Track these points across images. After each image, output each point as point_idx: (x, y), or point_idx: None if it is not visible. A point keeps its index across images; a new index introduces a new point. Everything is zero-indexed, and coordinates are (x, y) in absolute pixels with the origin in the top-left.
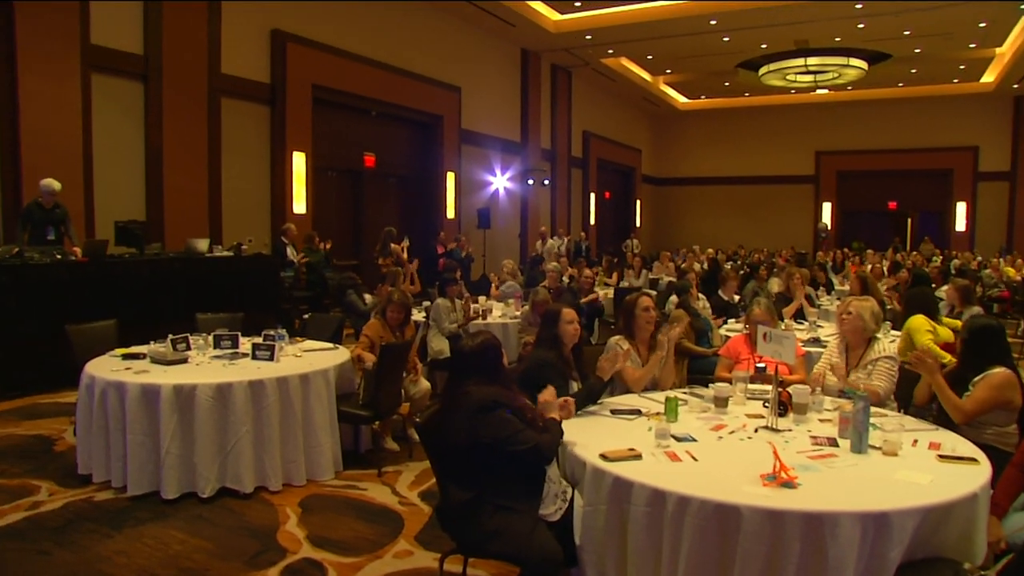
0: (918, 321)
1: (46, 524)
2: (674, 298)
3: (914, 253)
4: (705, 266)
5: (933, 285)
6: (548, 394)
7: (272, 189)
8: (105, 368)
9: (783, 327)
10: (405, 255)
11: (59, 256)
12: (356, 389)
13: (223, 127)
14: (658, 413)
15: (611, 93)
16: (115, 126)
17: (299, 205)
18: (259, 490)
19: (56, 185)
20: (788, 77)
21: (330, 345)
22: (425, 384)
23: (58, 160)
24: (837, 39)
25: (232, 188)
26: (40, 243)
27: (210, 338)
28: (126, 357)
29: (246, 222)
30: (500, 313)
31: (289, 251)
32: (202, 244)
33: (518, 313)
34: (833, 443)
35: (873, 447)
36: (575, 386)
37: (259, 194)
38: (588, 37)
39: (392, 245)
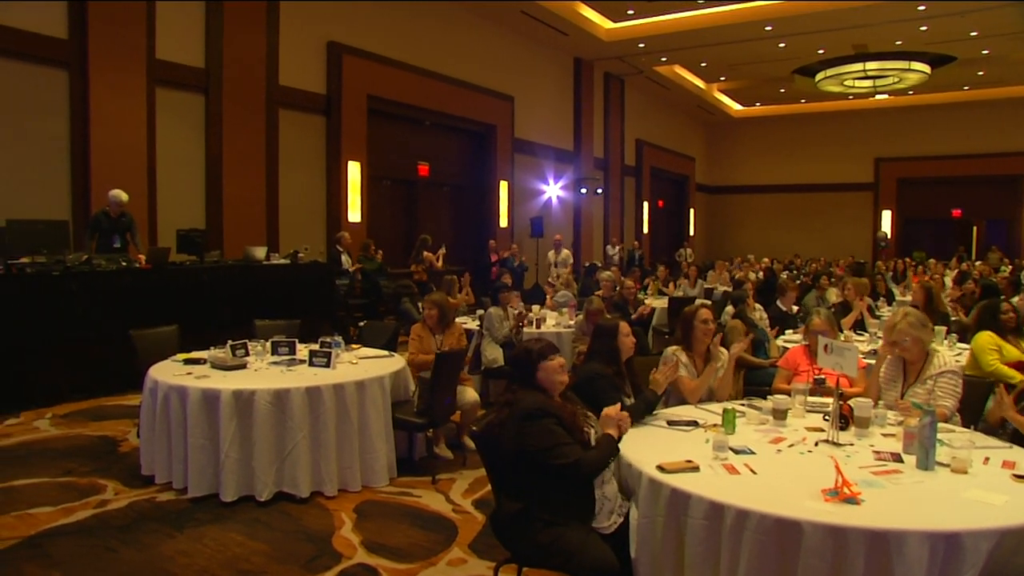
0: (983, 339)
1: (112, 522)
2: (730, 308)
3: (979, 263)
4: (761, 276)
5: (1003, 297)
6: (612, 409)
7: (328, 198)
8: (167, 372)
9: (842, 338)
10: (440, 263)
11: (124, 263)
12: (411, 397)
13: (280, 137)
14: (715, 425)
15: (664, 101)
16: (177, 138)
17: (354, 214)
18: (315, 495)
19: (123, 196)
20: (846, 83)
21: (385, 352)
22: (472, 394)
23: (124, 171)
24: (898, 42)
25: (289, 197)
26: (107, 251)
27: (268, 344)
28: (187, 362)
29: (302, 230)
30: (554, 322)
31: (344, 259)
32: (260, 252)
33: (572, 322)
34: (898, 459)
35: (941, 464)
36: (628, 400)
37: (315, 203)
38: (641, 45)
39: (425, 253)
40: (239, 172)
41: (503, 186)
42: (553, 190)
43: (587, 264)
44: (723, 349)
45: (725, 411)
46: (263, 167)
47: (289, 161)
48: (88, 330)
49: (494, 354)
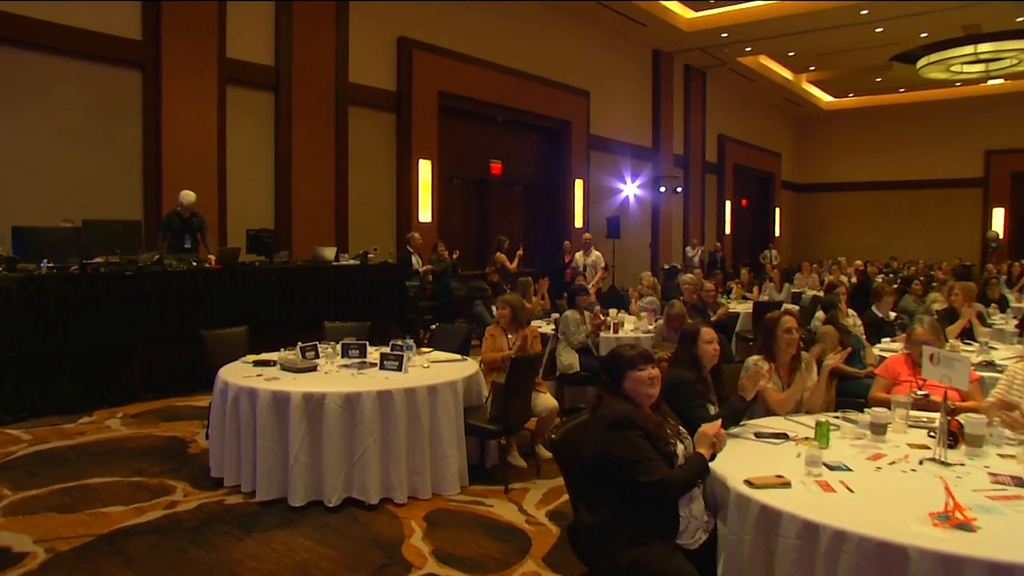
0: None
1: (183, 523)
2: (820, 314)
3: None
4: (853, 279)
5: None
6: (710, 427)
7: (398, 197)
8: (238, 374)
9: (948, 348)
10: (514, 264)
11: (195, 263)
12: (484, 402)
13: (350, 135)
14: (807, 438)
15: (748, 94)
16: (247, 137)
17: (424, 214)
18: (384, 502)
19: (192, 196)
20: (953, 68)
21: (458, 356)
22: (550, 400)
23: (195, 171)
24: (1019, 19)
25: (358, 196)
26: (178, 251)
27: (338, 347)
28: (257, 363)
29: (372, 230)
30: (633, 326)
31: (414, 260)
32: (329, 252)
33: (651, 327)
34: (1019, 483)
35: None
36: (713, 409)
37: (385, 202)
38: (724, 35)
39: (497, 254)
40: (308, 171)
41: (578, 185)
42: (630, 189)
43: (666, 267)
44: (807, 356)
45: (818, 424)
46: (332, 166)
47: (359, 160)
48: (160, 330)
49: (570, 359)
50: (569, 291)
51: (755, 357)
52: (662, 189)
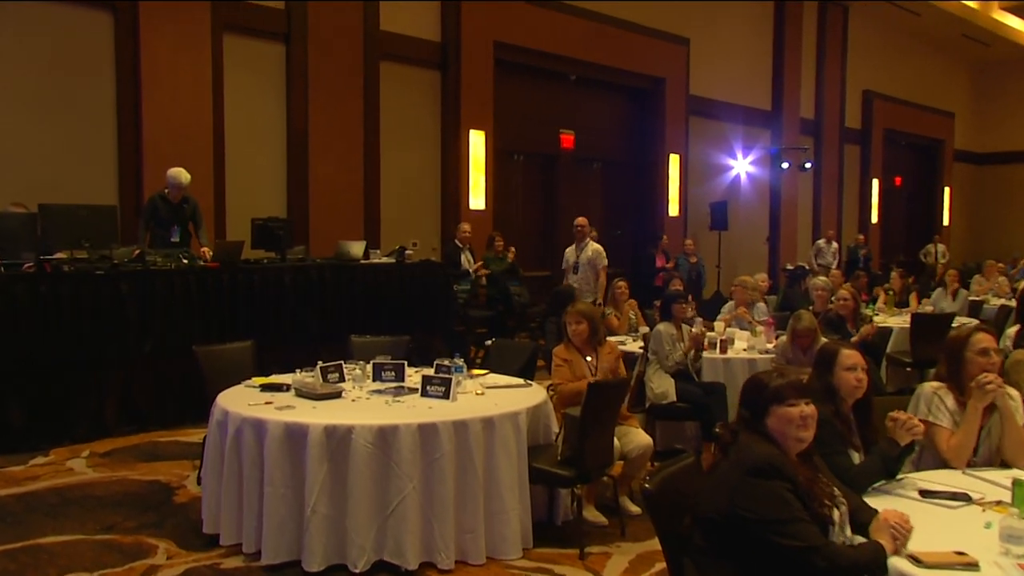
0: None
1: None
2: (1013, 330)
3: None
4: None
5: None
6: (892, 513)
7: (443, 179)
8: (241, 401)
9: None
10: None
11: (186, 260)
12: (554, 440)
13: (382, 99)
14: (1000, 502)
15: (908, 33)
16: (252, 101)
17: (477, 199)
18: (425, 566)
19: (185, 177)
20: None
21: (520, 381)
22: (641, 437)
23: (185, 144)
24: None
25: (393, 177)
26: (164, 245)
27: (368, 367)
28: (266, 388)
29: (411, 220)
30: (745, 344)
31: (464, 258)
32: (356, 248)
33: (770, 345)
34: None
35: None
36: (857, 457)
37: (427, 185)
38: None
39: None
40: (330, 145)
41: (673, 161)
42: (742, 166)
43: (789, 267)
44: (1013, 392)
45: (1017, 483)
46: (360, 139)
47: (394, 130)
48: (139, 344)
49: (663, 386)
50: (663, 299)
51: (932, 385)
52: (784, 165)
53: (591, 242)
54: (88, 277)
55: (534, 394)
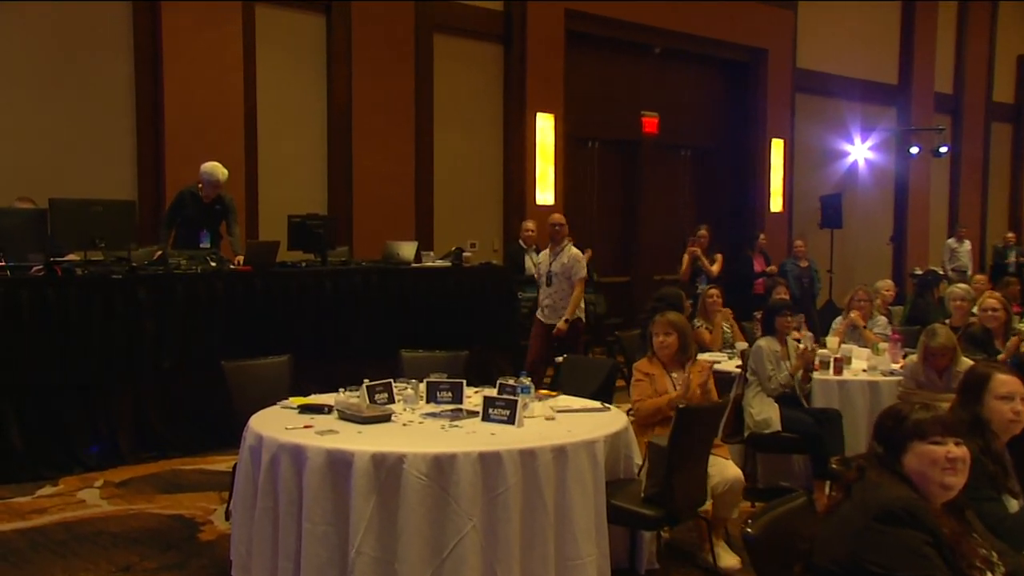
0: None
1: None
2: None
3: None
4: None
5: None
6: None
7: (506, 170)
8: (276, 424)
9: None
10: (717, 268)
11: (214, 263)
12: (636, 473)
13: (436, 79)
14: None
15: None
16: (287, 80)
17: (544, 193)
18: None
19: (222, 173)
20: None
21: (597, 404)
22: (731, 470)
23: (211, 130)
24: None
25: (448, 168)
26: (190, 246)
27: (422, 386)
28: (304, 409)
29: (468, 218)
30: (865, 364)
31: (529, 261)
32: (407, 249)
33: (896, 366)
34: None
35: None
36: (1015, 504)
37: (487, 177)
38: None
39: (690, 249)
40: (376, 131)
41: (776, 147)
42: (859, 151)
43: (918, 272)
44: None
45: None
46: (411, 124)
47: (449, 115)
48: (159, 359)
49: (765, 412)
50: (763, 310)
51: None
52: (914, 150)
53: (570, 246)
54: (103, 281)
55: (613, 419)
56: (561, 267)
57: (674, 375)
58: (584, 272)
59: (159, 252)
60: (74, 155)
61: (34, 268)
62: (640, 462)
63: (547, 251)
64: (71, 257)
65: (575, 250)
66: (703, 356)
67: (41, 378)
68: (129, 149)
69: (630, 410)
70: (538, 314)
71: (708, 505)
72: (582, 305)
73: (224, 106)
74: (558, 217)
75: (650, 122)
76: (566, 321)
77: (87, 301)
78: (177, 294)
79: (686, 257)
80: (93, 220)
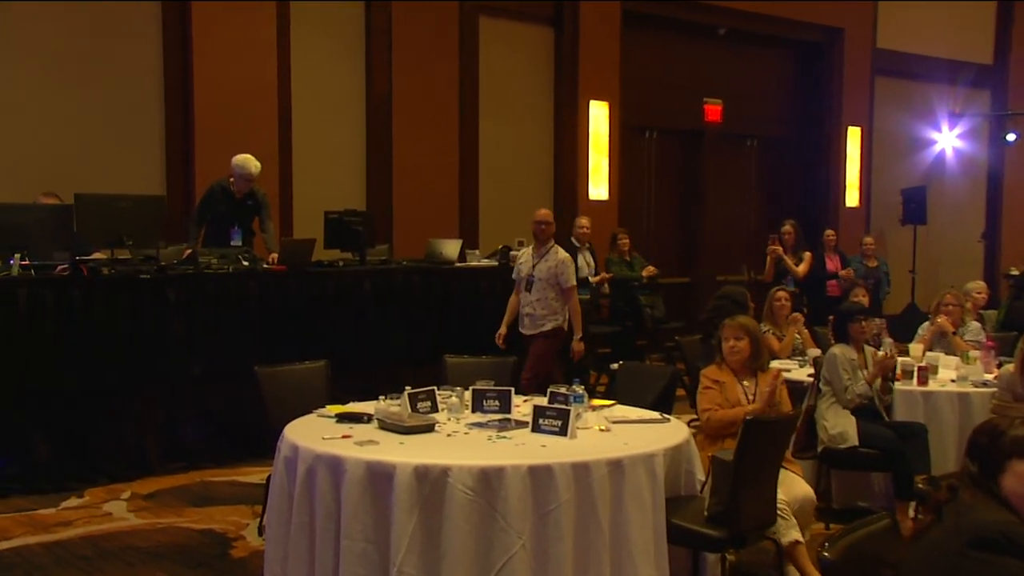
0: None
1: None
2: None
3: None
4: None
5: None
6: None
7: (556, 162)
8: (313, 434)
9: None
10: (804, 268)
11: (247, 263)
12: (699, 490)
13: (482, 65)
14: None
15: None
16: (324, 67)
17: (598, 187)
18: None
19: (254, 166)
20: None
21: (655, 414)
22: (802, 487)
23: (243, 120)
24: None
25: (495, 161)
26: (221, 243)
27: (467, 394)
28: (343, 418)
29: (516, 214)
30: (954, 374)
31: (582, 260)
32: (450, 248)
33: (989, 376)
34: None
35: None
36: None
37: (536, 170)
38: None
39: (771, 248)
40: (418, 121)
41: (853, 136)
42: (947, 139)
43: (1013, 272)
44: None
45: None
46: (455, 114)
47: (496, 103)
48: (189, 363)
49: (841, 425)
50: (836, 314)
51: None
52: (1011, 137)
53: (558, 248)
54: (130, 282)
55: (673, 431)
56: (547, 271)
57: (745, 383)
58: (574, 279)
59: (189, 250)
60: (100, 148)
61: (59, 267)
62: (703, 478)
63: (529, 250)
64: (97, 256)
65: (563, 253)
66: (773, 364)
67: (65, 384)
68: (157, 141)
69: (691, 421)
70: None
71: (778, 526)
72: (566, 314)
73: (257, 95)
74: (544, 213)
75: (713, 110)
76: (580, 339)
77: (114, 302)
78: (207, 295)
79: (768, 257)
80: (120, 216)
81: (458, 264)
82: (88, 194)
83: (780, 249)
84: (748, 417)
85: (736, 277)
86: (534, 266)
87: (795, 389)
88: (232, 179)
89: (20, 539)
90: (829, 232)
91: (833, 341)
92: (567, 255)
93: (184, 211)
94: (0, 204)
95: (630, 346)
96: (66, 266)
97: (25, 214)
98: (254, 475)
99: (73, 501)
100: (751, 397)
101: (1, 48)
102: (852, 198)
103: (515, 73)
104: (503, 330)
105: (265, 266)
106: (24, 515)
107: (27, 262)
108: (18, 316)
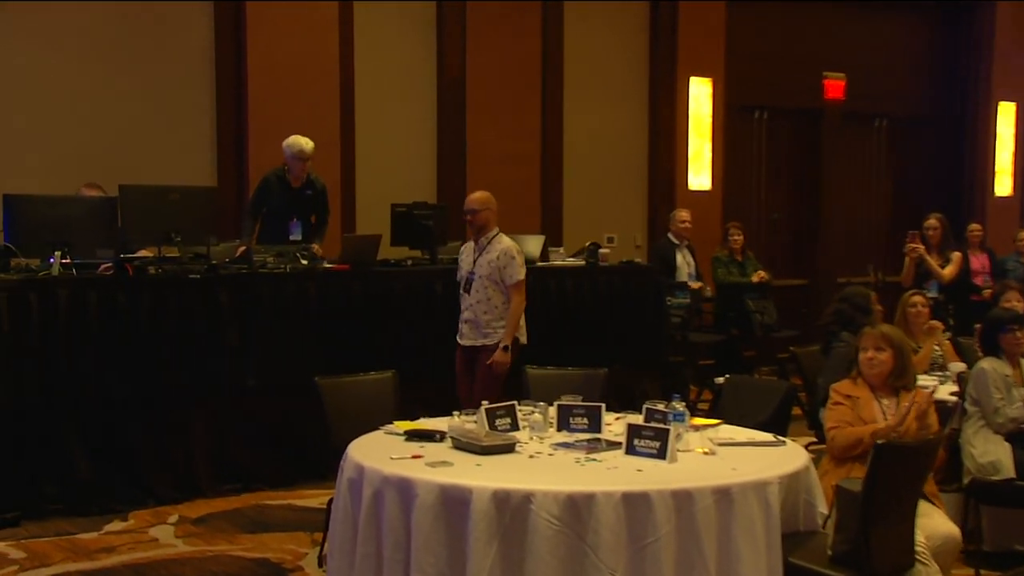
0: None
1: None
2: None
3: None
4: None
5: None
6: None
7: (651, 148)
8: (379, 453)
9: None
10: (952, 271)
11: (306, 261)
12: (820, 525)
13: (566, 40)
14: None
15: None
16: (390, 44)
17: (699, 176)
18: None
19: (306, 143)
20: None
21: (769, 436)
22: (945, 525)
23: (301, 103)
24: None
25: (582, 147)
26: (278, 240)
27: (552, 410)
28: (412, 436)
29: (606, 207)
30: None
31: (681, 259)
32: (531, 245)
33: None
34: None
35: None
36: None
37: (629, 158)
38: None
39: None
40: (495, 103)
41: (1005, 112)
42: None
43: None
44: None
45: None
46: (537, 94)
47: (583, 83)
48: (243, 374)
49: (992, 453)
50: (986, 322)
51: None
52: None
53: (501, 237)
54: (179, 283)
55: (790, 456)
56: (488, 266)
57: (884, 402)
58: (521, 274)
59: (242, 247)
60: (145, 135)
61: (102, 266)
62: (825, 511)
63: (469, 245)
64: (143, 253)
65: (507, 241)
66: None
67: (108, 396)
68: (207, 127)
69: (810, 445)
70: (457, 335)
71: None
72: (523, 324)
73: (316, 76)
74: (476, 199)
75: (835, 85)
76: (504, 348)
77: (161, 305)
78: (263, 298)
79: (908, 258)
80: (168, 210)
81: (540, 263)
82: (133, 185)
83: (922, 248)
84: (879, 439)
85: (861, 279)
86: (474, 262)
87: (936, 410)
88: (287, 166)
89: (59, 565)
90: (974, 226)
91: (981, 354)
92: (512, 244)
93: (237, 204)
94: (40, 196)
95: (736, 357)
96: (110, 265)
97: (66, 207)
98: (314, 499)
99: (117, 524)
100: (888, 413)
101: (41, 31)
102: (1003, 186)
103: (604, 48)
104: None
105: (327, 266)
106: (64, 539)
107: (68, 260)
108: (59, 320)
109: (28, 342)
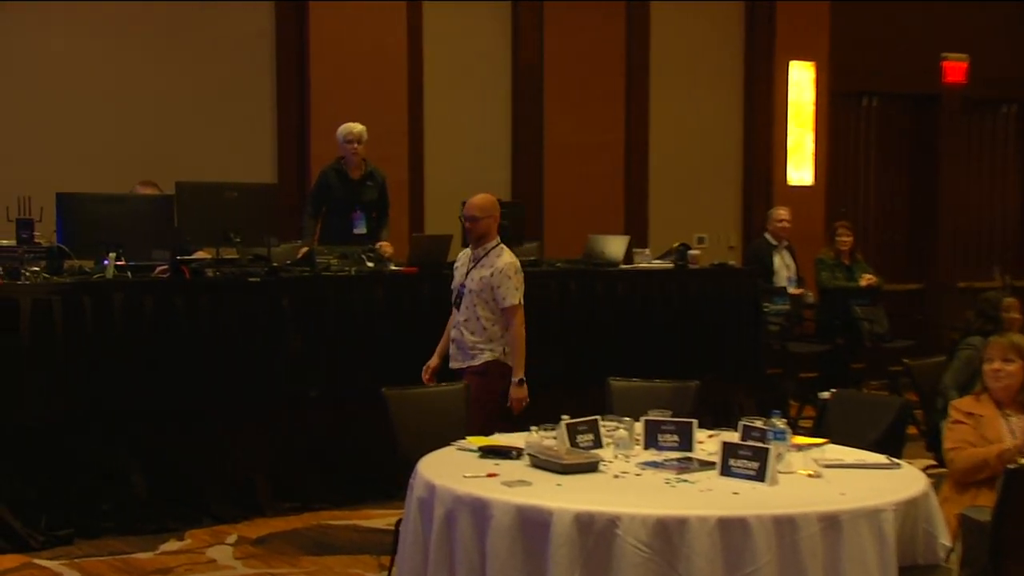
0: None
1: None
2: None
3: None
4: None
5: None
6: None
7: (747, 140)
8: (452, 471)
9: None
10: None
11: (372, 263)
12: (941, 558)
13: (652, 25)
14: None
15: None
16: (462, 30)
17: (800, 170)
18: None
19: (356, 125)
20: None
21: (881, 458)
22: None
23: (366, 94)
24: None
25: (670, 140)
26: (342, 238)
27: (638, 426)
28: (487, 453)
29: (696, 205)
30: None
31: (779, 262)
32: (615, 245)
33: None
34: None
35: None
36: None
37: (722, 151)
38: None
39: None
40: (575, 93)
41: None
42: None
43: None
44: None
45: None
46: (621, 83)
47: (671, 70)
48: (304, 384)
49: None
50: None
51: None
52: None
53: (502, 249)
54: (238, 286)
55: (906, 480)
56: (479, 282)
57: (1012, 419)
58: (515, 298)
59: (305, 248)
60: (202, 129)
61: (158, 269)
62: (947, 543)
63: (466, 253)
64: (200, 255)
65: (508, 257)
66: None
67: (164, 405)
68: (267, 120)
69: (928, 468)
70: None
71: None
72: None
73: (383, 64)
74: (477, 204)
75: (955, 68)
76: (520, 382)
77: (219, 310)
78: (327, 302)
79: None
80: (226, 208)
81: (624, 266)
82: (190, 182)
83: None
84: (1007, 462)
85: (986, 284)
86: (467, 273)
87: None
88: (342, 157)
89: None
90: None
91: None
92: (512, 261)
93: (298, 202)
94: (93, 194)
95: (842, 370)
96: (166, 267)
97: (120, 206)
98: (380, 519)
99: (173, 544)
100: (1016, 434)
101: (99, 27)
102: None
103: (694, 32)
104: (433, 361)
105: (393, 268)
106: (119, 559)
107: (123, 262)
108: (113, 325)
109: (81, 349)
